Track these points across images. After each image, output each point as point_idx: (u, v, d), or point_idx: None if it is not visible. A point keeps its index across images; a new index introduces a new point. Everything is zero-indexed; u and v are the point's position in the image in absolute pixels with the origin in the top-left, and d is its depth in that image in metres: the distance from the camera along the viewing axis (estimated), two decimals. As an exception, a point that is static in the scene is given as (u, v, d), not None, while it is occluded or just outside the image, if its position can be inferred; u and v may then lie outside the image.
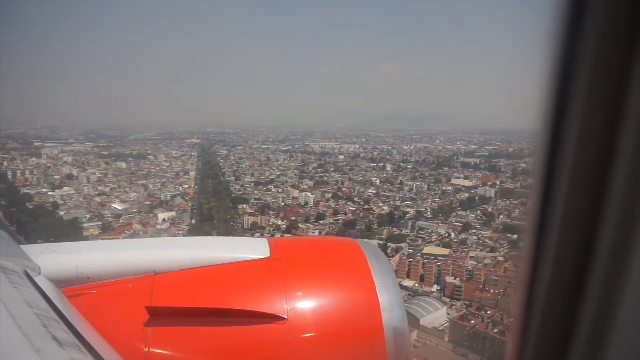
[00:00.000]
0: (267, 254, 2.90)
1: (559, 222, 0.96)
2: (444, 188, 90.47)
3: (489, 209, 77.49)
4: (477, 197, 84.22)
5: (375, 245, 4.93)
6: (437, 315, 48.58)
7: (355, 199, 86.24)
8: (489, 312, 48.34)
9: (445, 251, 63.16)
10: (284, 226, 73.88)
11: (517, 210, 73.94)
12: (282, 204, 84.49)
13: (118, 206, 78.16)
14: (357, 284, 2.75)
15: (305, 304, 2.63)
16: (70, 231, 63.56)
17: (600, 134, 0.87)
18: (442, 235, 69.88)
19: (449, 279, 56.79)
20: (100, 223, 71.65)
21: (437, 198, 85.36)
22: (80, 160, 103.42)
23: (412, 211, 79.07)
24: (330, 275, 2.88)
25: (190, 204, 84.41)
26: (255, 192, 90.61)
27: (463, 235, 69.01)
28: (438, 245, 66.54)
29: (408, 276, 59.28)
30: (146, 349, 2.41)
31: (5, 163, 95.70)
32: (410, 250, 65.21)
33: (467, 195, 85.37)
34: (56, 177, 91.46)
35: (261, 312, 2.55)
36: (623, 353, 0.91)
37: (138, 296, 2.62)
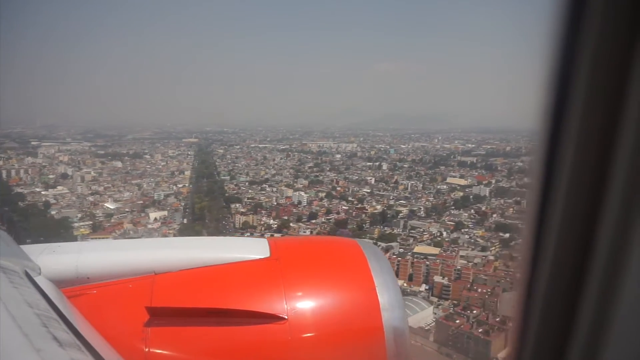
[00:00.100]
0: (267, 254, 2.92)
1: (558, 222, 0.95)
2: (438, 187, 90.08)
3: (483, 208, 77.13)
4: (471, 196, 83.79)
5: (380, 245, 4.88)
6: (423, 315, 48.31)
7: (349, 198, 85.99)
8: (474, 311, 48.02)
9: (436, 250, 62.84)
10: (275, 225, 73.76)
11: (511, 209, 73.62)
12: (275, 203, 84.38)
13: (110, 205, 78.21)
14: (357, 284, 2.78)
15: (305, 304, 2.64)
16: (61, 230, 63.68)
17: (599, 134, 0.86)
18: (434, 234, 69.56)
19: (437, 279, 56.48)
20: (91, 222, 71.69)
21: (431, 197, 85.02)
22: (76, 160, 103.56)
23: (405, 210, 78.79)
24: (330, 275, 2.91)
25: (183, 204, 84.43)
26: (250, 191, 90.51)
27: (455, 235, 68.69)
28: (429, 244, 66.21)
29: (397, 275, 58.79)
30: (146, 349, 2.43)
31: (0, 162, 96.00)
32: (401, 250, 64.85)
33: (461, 194, 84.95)
34: (51, 176, 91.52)
35: (261, 313, 2.56)
36: (621, 353, 0.91)
37: (138, 296, 2.64)
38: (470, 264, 59.16)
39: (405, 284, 58.02)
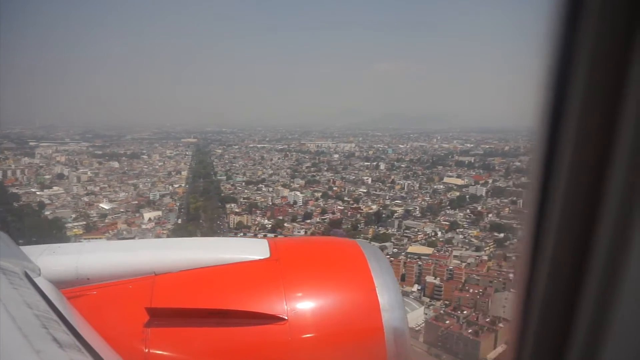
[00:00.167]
0: (267, 255, 2.92)
1: (557, 221, 0.95)
2: (435, 187, 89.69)
3: (479, 208, 76.74)
4: (467, 196, 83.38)
5: (375, 246, 4.84)
6: (414, 315, 47.99)
7: (345, 198, 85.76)
8: (465, 312, 47.73)
9: (430, 250, 62.56)
10: (270, 225, 73.59)
11: (506, 209, 73.24)
12: (271, 203, 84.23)
13: (105, 206, 78.24)
14: (357, 284, 2.77)
15: (305, 305, 2.64)
16: (54, 231, 63.66)
17: (598, 134, 0.86)
18: (429, 234, 69.25)
19: (429, 279, 56.23)
20: (84, 223, 71.70)
21: (427, 197, 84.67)
22: (73, 160, 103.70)
23: (400, 210, 78.49)
24: (330, 275, 2.90)
25: (178, 204, 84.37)
26: (246, 191, 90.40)
27: (449, 234, 68.38)
28: (423, 244, 65.91)
29: (391, 276, 58.54)
30: (146, 350, 2.42)
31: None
32: (395, 250, 64.57)
33: (457, 194, 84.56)
34: (47, 176, 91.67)
35: (261, 313, 2.56)
36: (620, 352, 0.91)
37: (138, 297, 2.63)
38: (463, 264, 58.94)
39: (397, 284, 57.72)
